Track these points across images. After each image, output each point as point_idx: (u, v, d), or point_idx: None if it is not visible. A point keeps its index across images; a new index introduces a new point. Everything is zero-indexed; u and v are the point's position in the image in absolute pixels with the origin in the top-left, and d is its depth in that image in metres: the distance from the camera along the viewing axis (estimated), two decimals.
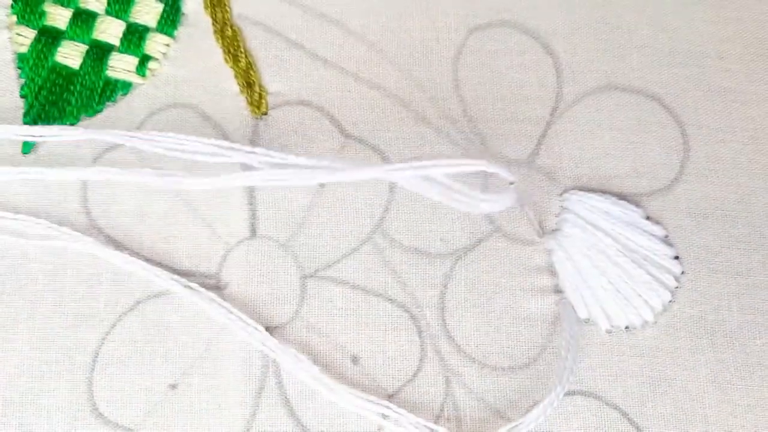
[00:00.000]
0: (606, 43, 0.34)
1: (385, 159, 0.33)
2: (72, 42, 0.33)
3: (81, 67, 0.33)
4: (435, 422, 0.30)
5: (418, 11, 0.34)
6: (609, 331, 0.31)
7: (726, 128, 0.33)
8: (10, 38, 0.33)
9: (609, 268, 0.32)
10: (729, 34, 0.34)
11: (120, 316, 0.31)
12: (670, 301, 0.32)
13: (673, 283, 0.32)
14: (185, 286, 0.31)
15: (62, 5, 0.34)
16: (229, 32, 0.33)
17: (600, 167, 0.33)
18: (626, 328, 0.32)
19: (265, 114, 0.33)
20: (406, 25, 0.34)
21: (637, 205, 0.32)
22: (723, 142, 0.33)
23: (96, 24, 0.33)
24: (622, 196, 0.32)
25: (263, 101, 0.33)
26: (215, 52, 0.33)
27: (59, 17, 0.33)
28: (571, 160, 0.33)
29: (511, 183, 0.29)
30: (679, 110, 0.33)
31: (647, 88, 0.33)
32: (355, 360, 0.31)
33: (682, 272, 0.32)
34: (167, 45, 0.34)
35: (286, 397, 0.30)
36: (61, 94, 0.33)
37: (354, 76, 0.33)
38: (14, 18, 0.33)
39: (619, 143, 0.33)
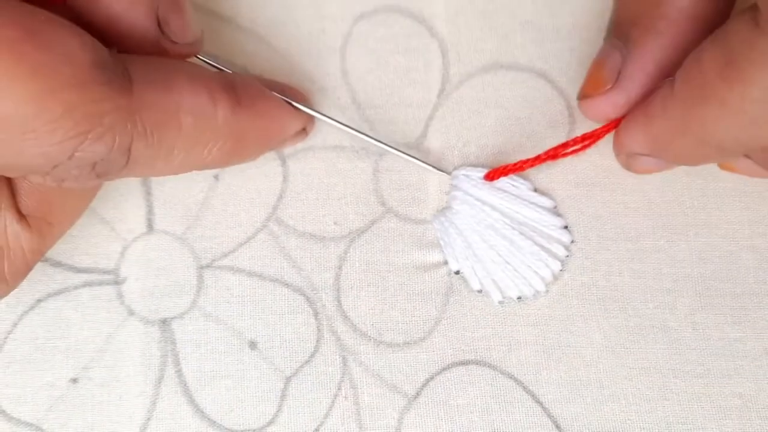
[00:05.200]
0: (490, 22, 0.34)
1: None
2: None
3: None
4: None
5: (305, 2, 0.35)
6: (501, 302, 0.32)
7: None
8: None
9: (498, 241, 0.32)
10: (611, 6, 0.35)
11: (21, 315, 0.32)
12: (561, 270, 0.32)
13: (563, 253, 0.32)
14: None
15: None
16: None
17: (488, 145, 0.33)
18: (518, 298, 0.32)
19: None
20: (293, 16, 0.34)
21: (525, 178, 0.33)
22: None
23: None
24: None
25: None
26: None
27: None
28: (459, 140, 0.34)
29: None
30: (563, 84, 0.34)
31: (532, 65, 0.34)
32: (252, 345, 0.32)
33: (572, 241, 0.33)
34: None
35: (185, 385, 0.31)
36: None
37: (243, 69, 0.34)
38: None
39: (506, 120, 0.34)
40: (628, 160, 0.30)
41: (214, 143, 0.27)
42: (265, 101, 0.29)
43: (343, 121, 0.33)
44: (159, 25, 0.27)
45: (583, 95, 0.30)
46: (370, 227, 0.33)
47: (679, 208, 0.33)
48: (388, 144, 0.32)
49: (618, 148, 0.30)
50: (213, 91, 0.27)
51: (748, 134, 0.25)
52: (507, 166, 0.32)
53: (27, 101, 0.22)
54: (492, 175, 0.32)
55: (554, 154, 0.31)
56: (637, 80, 0.29)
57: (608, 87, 0.29)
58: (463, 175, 0.33)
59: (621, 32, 0.30)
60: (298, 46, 0.34)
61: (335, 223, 0.33)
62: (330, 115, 0.33)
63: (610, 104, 0.29)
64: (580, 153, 0.32)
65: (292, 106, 0.31)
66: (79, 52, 0.23)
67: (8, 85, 0.21)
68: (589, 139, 0.31)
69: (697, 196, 0.33)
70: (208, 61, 0.30)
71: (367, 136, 0.32)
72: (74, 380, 0.31)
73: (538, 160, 0.31)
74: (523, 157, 0.32)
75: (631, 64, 0.29)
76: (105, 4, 0.26)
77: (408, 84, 0.34)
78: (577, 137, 0.31)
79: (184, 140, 0.26)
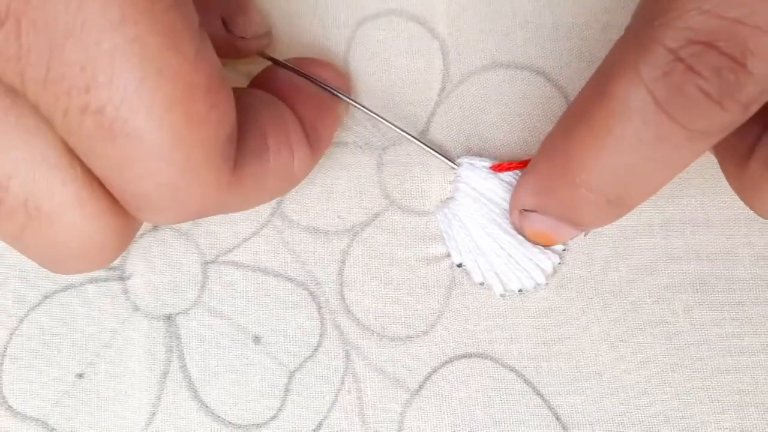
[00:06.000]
0: (490, 22, 0.35)
1: None
2: None
3: None
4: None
5: (308, 10, 0.35)
6: (503, 295, 0.33)
7: None
8: None
9: (500, 235, 0.33)
10: (612, 5, 0.36)
11: (28, 311, 0.32)
12: (560, 263, 0.33)
13: (560, 246, 0.33)
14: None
15: None
16: None
17: (490, 138, 0.34)
18: (519, 291, 0.33)
19: None
20: (297, 25, 0.35)
21: None
22: None
23: None
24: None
25: None
26: None
27: None
28: (460, 133, 0.34)
29: None
30: (563, 82, 0.34)
31: (531, 63, 0.35)
32: (256, 340, 0.32)
33: None
34: None
35: (190, 380, 0.31)
36: None
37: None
38: None
39: (507, 116, 0.34)
40: (520, 218, 0.30)
41: (281, 190, 0.29)
42: (328, 143, 0.30)
43: (347, 121, 0.33)
44: (225, 25, 0.29)
45: None
46: (374, 220, 0.33)
47: (677, 205, 0.33)
48: (407, 131, 0.32)
49: (511, 203, 0.30)
50: (292, 143, 0.28)
51: (615, 165, 0.24)
52: (513, 162, 0.32)
53: (183, 169, 0.23)
54: (497, 169, 0.33)
55: None
56: None
57: None
58: (467, 162, 0.33)
59: None
60: (303, 53, 0.35)
61: (339, 217, 0.33)
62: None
63: None
64: None
65: (337, 95, 0.31)
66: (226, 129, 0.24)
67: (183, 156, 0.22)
68: None
69: (694, 193, 0.33)
70: (272, 57, 0.31)
71: (393, 125, 0.32)
72: (80, 375, 0.31)
73: None
74: (526, 150, 0.33)
75: None
76: None
77: (410, 84, 0.34)
78: None
79: (264, 194, 0.28)
